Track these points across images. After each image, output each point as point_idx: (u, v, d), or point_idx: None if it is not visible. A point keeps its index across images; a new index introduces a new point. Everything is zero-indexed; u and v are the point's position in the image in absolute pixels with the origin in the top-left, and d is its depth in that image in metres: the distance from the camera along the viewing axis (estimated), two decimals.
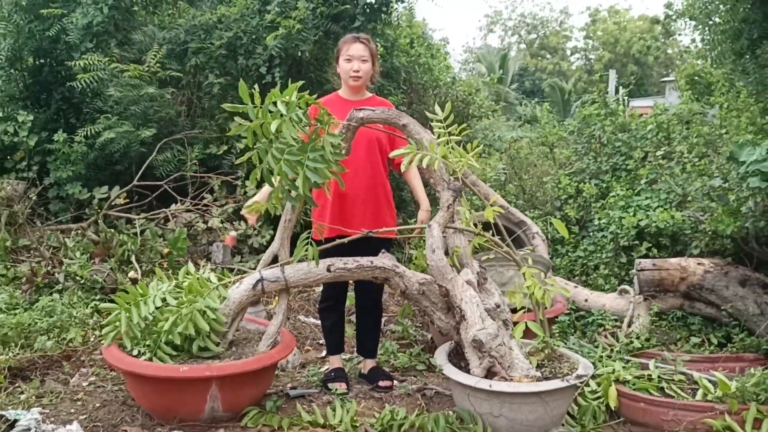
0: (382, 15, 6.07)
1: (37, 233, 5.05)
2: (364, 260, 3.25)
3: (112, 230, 5.03)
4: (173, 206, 5.50)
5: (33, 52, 5.93)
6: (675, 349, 3.98)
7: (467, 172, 4.31)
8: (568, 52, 42.23)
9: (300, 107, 2.92)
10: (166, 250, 4.89)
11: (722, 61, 6.60)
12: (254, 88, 2.90)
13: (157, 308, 3.12)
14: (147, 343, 3.10)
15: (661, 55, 34.30)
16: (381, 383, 3.62)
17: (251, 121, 2.88)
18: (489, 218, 3.21)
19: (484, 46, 40.64)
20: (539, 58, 39.73)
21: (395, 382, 3.71)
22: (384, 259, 3.28)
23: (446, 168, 3.23)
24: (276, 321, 3.27)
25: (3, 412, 2.98)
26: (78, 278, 4.30)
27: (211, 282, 3.22)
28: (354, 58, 3.49)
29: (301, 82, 2.98)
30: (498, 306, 3.23)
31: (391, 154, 3.21)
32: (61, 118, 5.97)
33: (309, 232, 3.16)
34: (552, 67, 38.15)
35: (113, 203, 5.40)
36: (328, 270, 3.20)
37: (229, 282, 3.29)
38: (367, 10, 5.85)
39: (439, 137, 3.22)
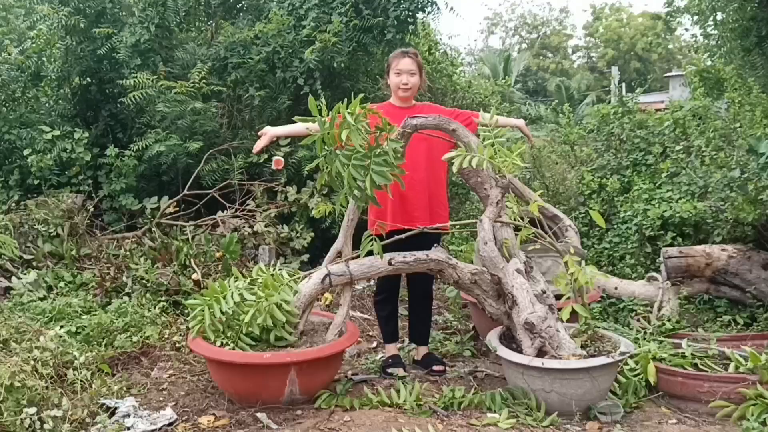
0: (410, 26, 6.40)
1: (96, 242, 5.39)
2: (421, 254, 3.57)
3: (166, 237, 5.37)
4: (220, 213, 5.83)
5: (80, 73, 6.29)
6: (704, 329, 4.28)
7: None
8: (570, 51, 42.55)
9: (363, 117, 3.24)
10: (219, 254, 5.21)
11: (732, 58, 6.90)
12: (320, 103, 3.22)
13: (235, 303, 3.44)
14: (228, 334, 3.42)
15: (663, 51, 34.54)
16: (435, 368, 3.94)
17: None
18: (534, 212, 3.53)
19: (486, 48, 40.98)
20: (541, 57, 40.05)
21: (446, 367, 4.02)
22: (438, 253, 3.60)
23: (493, 167, 3.55)
24: (342, 312, 3.59)
25: (104, 400, 3.31)
26: (144, 282, 4.63)
27: (283, 277, 3.54)
28: (403, 72, 3.82)
29: (361, 95, 3.30)
30: (544, 292, 3.54)
31: (444, 157, 3.52)
32: (108, 134, 6.33)
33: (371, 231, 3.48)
34: (555, 66, 38.48)
35: (164, 212, 5.74)
36: (389, 263, 3.52)
37: (298, 277, 3.61)
38: (395, 22, 6.17)
39: (484, 140, 3.54)
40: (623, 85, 21.43)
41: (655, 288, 4.72)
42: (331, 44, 5.98)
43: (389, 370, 3.86)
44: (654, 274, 4.82)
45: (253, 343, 3.42)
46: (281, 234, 5.81)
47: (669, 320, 4.30)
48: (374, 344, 4.60)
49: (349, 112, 3.17)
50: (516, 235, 3.68)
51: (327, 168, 3.30)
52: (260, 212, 5.84)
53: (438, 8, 6.95)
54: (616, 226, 5.77)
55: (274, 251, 5.67)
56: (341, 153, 3.22)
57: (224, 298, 3.45)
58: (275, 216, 5.91)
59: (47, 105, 6.37)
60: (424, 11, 6.64)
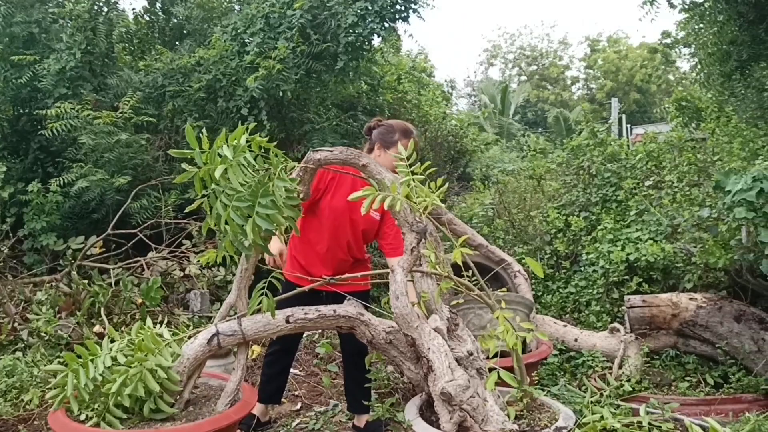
0: (363, 52, 5.97)
1: (8, 287, 4.90)
2: (327, 309, 3.07)
3: (85, 281, 4.87)
4: (150, 254, 5.34)
5: (11, 102, 5.86)
6: (669, 391, 3.75)
7: (443, 210, 4.16)
8: (569, 82, 42.36)
9: (251, 151, 2.78)
10: (140, 300, 4.72)
11: (710, 84, 6.45)
12: (200, 134, 2.76)
13: (107, 368, 2.93)
14: (96, 406, 2.91)
15: (663, 83, 34.30)
16: None
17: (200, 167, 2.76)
18: (457, 260, 3.03)
19: (486, 80, 40.85)
20: (540, 89, 39.86)
21: None
22: (348, 307, 3.10)
23: (410, 209, 3.06)
24: (235, 377, 3.07)
25: None
26: (42, 334, 4.13)
27: (163, 338, 3.04)
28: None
29: (253, 124, 2.84)
30: (471, 354, 3.02)
31: (349, 198, 3.03)
32: (38, 168, 5.88)
33: (265, 282, 3.00)
34: (554, 98, 38.25)
35: (88, 253, 5.25)
36: (287, 321, 3.02)
37: (185, 337, 3.11)
38: (349, 48, 5.75)
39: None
40: (623, 116, 21.06)
41: (617, 340, 4.19)
42: (275, 71, 5.54)
43: None
44: (617, 325, 4.30)
45: (125, 416, 2.91)
46: (216, 277, 5.31)
47: (629, 380, 3.77)
48: (298, 406, 4.07)
49: (229, 145, 2.71)
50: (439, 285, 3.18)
51: (210, 210, 2.82)
52: (194, 253, 5.35)
53: (397, 34, 6.57)
54: (582, 269, 5.26)
55: (207, 296, 5.18)
56: (223, 194, 2.75)
57: (94, 362, 2.95)
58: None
59: None
60: (379, 36, 6.23)
